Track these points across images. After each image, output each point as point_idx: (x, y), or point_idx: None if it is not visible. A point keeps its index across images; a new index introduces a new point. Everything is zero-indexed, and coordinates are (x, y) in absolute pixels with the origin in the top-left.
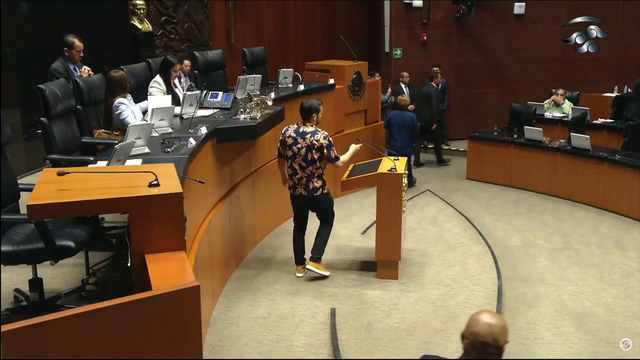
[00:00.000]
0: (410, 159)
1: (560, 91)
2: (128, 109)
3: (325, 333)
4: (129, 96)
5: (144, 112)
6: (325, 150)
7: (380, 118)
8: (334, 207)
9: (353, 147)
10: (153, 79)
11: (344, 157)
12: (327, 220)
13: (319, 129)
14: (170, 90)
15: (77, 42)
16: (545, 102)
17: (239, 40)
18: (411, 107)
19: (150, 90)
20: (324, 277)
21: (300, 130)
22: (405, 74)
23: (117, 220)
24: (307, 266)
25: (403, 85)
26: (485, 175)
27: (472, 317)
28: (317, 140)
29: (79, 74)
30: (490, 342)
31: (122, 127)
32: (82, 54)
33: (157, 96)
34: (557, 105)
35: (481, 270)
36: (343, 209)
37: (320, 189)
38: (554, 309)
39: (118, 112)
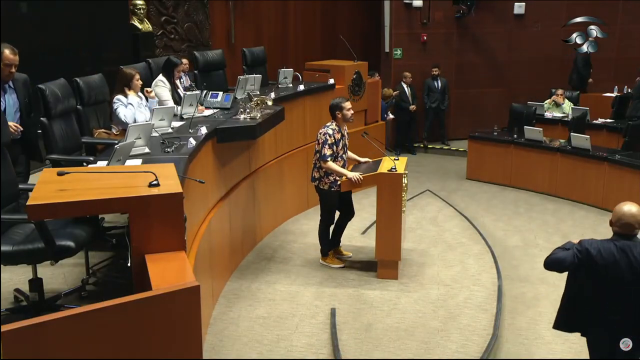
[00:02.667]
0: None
1: (560, 91)
2: (123, 106)
3: (325, 333)
4: (141, 97)
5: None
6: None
7: (380, 118)
8: (334, 209)
9: (351, 174)
10: (157, 78)
11: (332, 165)
12: (321, 215)
13: (331, 126)
14: (173, 90)
15: (8, 53)
16: (545, 102)
17: (239, 40)
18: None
19: (155, 89)
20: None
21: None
22: (407, 74)
23: (117, 220)
24: (320, 261)
25: (405, 86)
26: (485, 175)
27: (619, 211)
28: (319, 133)
29: (4, 97)
30: (636, 226)
31: (119, 125)
32: (13, 71)
33: (164, 93)
34: (557, 105)
35: (481, 270)
36: None
37: (318, 181)
38: (554, 309)
39: (114, 108)
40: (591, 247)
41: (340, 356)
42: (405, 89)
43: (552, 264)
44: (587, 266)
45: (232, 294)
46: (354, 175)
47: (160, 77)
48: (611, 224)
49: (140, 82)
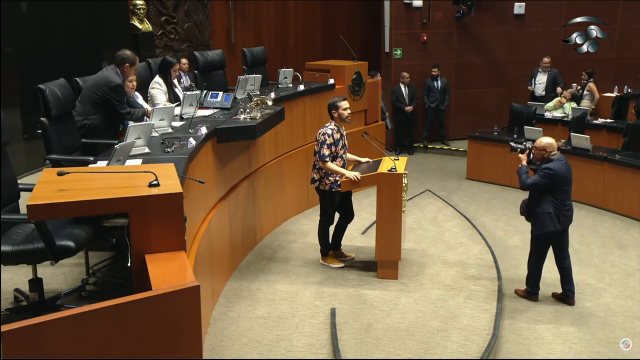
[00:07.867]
0: None
1: (567, 92)
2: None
3: (325, 333)
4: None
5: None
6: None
7: (380, 118)
8: (334, 209)
9: (350, 173)
10: (153, 80)
11: (330, 165)
12: (321, 216)
13: (330, 126)
14: (170, 90)
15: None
16: (550, 103)
17: (239, 40)
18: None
19: (151, 91)
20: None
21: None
22: (405, 74)
23: (117, 220)
24: (320, 261)
25: (402, 86)
26: (485, 175)
27: (550, 143)
28: (318, 133)
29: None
30: (551, 151)
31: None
32: (135, 84)
33: (160, 96)
34: (562, 105)
35: (481, 270)
36: None
37: (318, 182)
38: (554, 309)
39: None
40: (555, 167)
41: (340, 356)
42: (403, 89)
43: (534, 186)
44: (556, 179)
45: (232, 294)
46: (352, 174)
47: (157, 78)
48: (548, 154)
49: (133, 84)
